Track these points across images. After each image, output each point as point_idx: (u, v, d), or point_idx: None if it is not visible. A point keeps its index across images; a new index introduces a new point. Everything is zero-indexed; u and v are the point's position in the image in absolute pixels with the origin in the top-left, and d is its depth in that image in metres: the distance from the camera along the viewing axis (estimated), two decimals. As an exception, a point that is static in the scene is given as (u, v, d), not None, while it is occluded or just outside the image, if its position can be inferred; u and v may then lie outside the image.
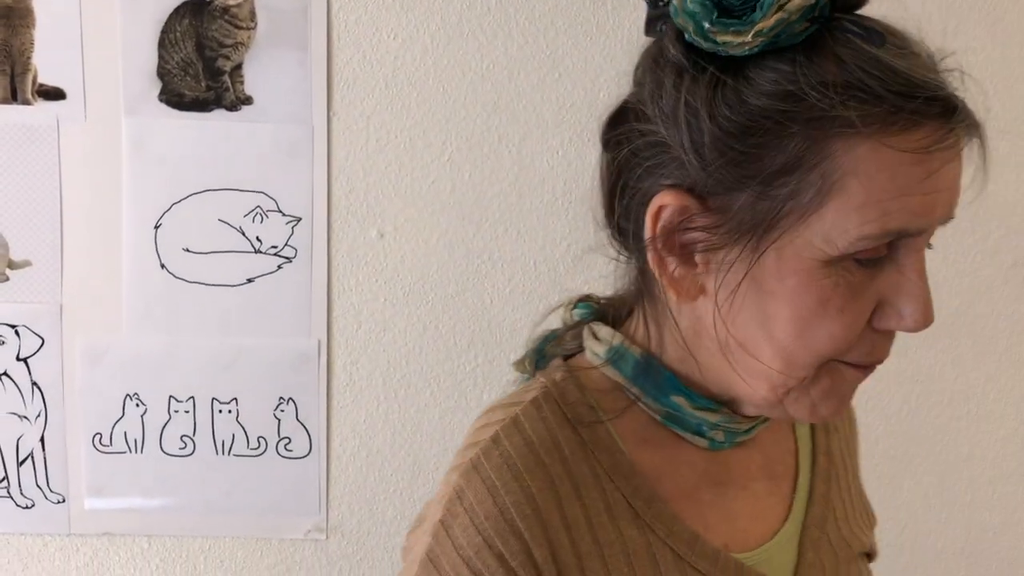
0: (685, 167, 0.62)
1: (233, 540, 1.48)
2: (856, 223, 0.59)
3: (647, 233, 0.64)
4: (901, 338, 0.65)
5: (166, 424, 1.49)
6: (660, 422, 0.70)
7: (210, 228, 1.45)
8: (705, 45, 0.60)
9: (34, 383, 1.48)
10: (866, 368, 0.66)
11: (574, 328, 0.75)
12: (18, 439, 1.49)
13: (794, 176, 0.59)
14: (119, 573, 1.52)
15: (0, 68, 1.38)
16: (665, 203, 0.63)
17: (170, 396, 1.48)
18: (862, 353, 0.64)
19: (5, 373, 1.48)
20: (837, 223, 0.59)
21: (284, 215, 1.45)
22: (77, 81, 1.40)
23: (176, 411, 1.49)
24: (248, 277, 1.45)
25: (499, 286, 1.44)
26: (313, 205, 1.45)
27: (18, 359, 1.48)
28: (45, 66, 1.40)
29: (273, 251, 1.44)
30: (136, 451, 1.49)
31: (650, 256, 0.65)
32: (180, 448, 1.49)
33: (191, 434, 1.49)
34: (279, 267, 1.44)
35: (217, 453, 1.48)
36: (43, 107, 1.41)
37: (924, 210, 0.60)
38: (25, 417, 1.49)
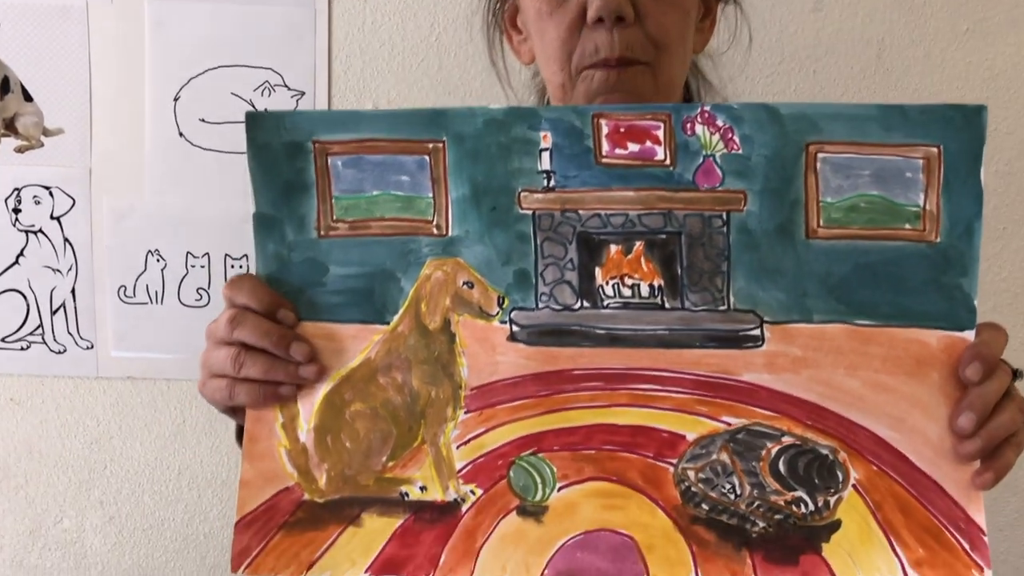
0: None
1: (245, 382, 1.60)
2: None
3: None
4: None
5: (184, 278, 1.59)
6: None
7: (223, 100, 1.56)
8: None
9: (66, 239, 1.59)
10: (607, 66, 0.90)
11: None
12: (51, 290, 1.60)
13: None
14: (141, 413, 1.62)
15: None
16: None
17: (187, 252, 1.59)
18: (592, 52, 0.89)
19: (40, 230, 1.58)
20: None
21: (289, 89, 1.56)
22: (105, -35, 1.50)
23: (193, 266, 1.59)
24: None
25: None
26: (315, 81, 1.55)
27: (52, 218, 1.58)
28: (76, -47, 1.50)
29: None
30: (157, 302, 1.60)
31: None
32: (196, 299, 1.60)
33: (206, 287, 1.60)
34: (285, 137, 1.57)
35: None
36: (74, -11, 1.50)
37: None
38: (58, 270, 1.59)
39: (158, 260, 1.61)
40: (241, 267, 1.62)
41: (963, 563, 0.76)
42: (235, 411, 0.84)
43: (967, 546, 0.77)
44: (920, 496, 0.78)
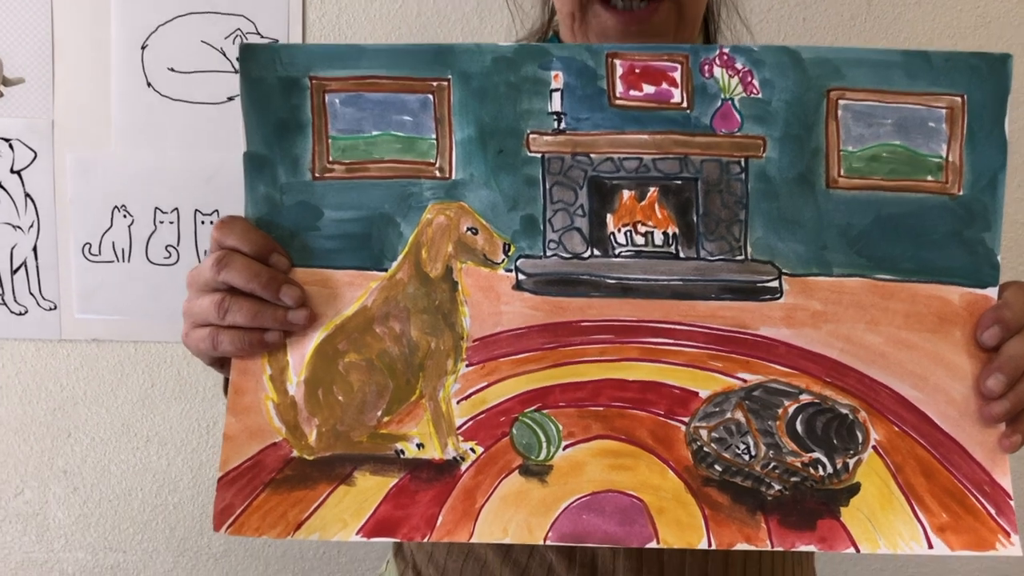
0: None
1: (215, 345, 1.56)
2: None
3: None
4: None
5: (152, 235, 1.52)
6: None
7: (193, 49, 1.48)
8: None
9: (27, 195, 1.51)
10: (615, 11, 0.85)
11: None
12: (12, 248, 1.52)
13: None
14: (107, 378, 1.56)
15: None
16: None
17: (155, 208, 1.52)
18: None
19: (0, 185, 1.51)
20: None
21: (262, 37, 1.49)
22: (69, -95, 1.43)
23: (161, 222, 1.52)
24: (229, 96, 1.48)
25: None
26: (289, 28, 1.49)
27: (12, 171, 1.51)
28: None
29: (254, 73, 1.52)
30: (123, 261, 1.53)
31: None
32: (165, 257, 1.52)
33: (175, 244, 1.53)
34: (259, 87, 1.52)
35: (200, 262, 1.54)
36: (38, -72, 1.43)
37: None
38: (19, 227, 1.52)
39: (125, 216, 1.55)
40: (211, 222, 1.55)
41: (989, 528, 0.74)
42: (222, 364, 0.79)
43: (993, 511, 0.74)
44: (943, 459, 0.75)
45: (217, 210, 1.54)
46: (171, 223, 1.55)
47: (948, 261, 0.76)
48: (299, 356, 0.77)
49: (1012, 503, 0.74)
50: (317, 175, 0.78)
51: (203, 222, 1.55)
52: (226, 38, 1.51)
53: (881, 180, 0.76)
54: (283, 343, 0.77)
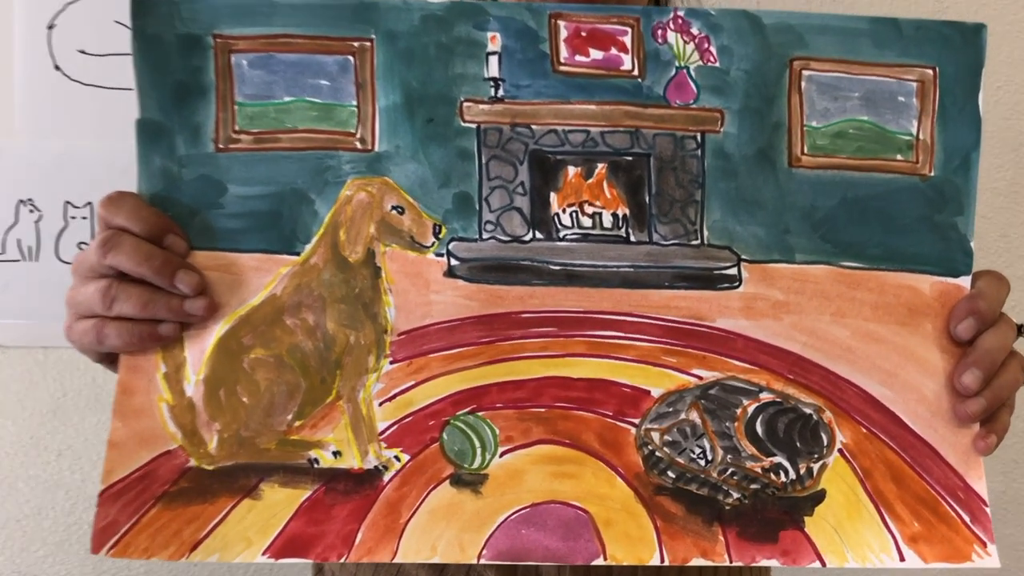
0: None
1: (130, 351, 1.47)
2: None
3: None
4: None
5: (62, 231, 1.44)
6: None
7: (107, 29, 1.41)
8: None
9: None
10: None
11: None
12: None
13: None
14: (14, 388, 1.48)
15: None
16: None
17: (66, 202, 1.43)
18: None
19: None
20: None
21: None
22: None
23: (73, 217, 1.44)
24: None
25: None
26: None
27: None
28: None
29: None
30: (30, 259, 1.44)
31: None
32: None
33: (88, 241, 1.46)
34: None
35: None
36: None
37: None
38: None
39: (31, 211, 1.45)
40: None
41: (964, 538, 0.67)
42: (111, 361, 0.70)
43: (968, 519, 0.68)
44: (914, 462, 0.68)
45: (133, 204, 1.45)
46: (83, 219, 1.46)
47: (918, 248, 0.70)
48: (198, 351, 0.68)
49: (988, 510, 0.68)
50: (221, 146, 0.69)
51: (118, 216, 1.46)
52: (143, 19, 1.42)
53: (847, 159, 0.70)
54: (179, 337, 0.68)
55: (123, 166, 1.40)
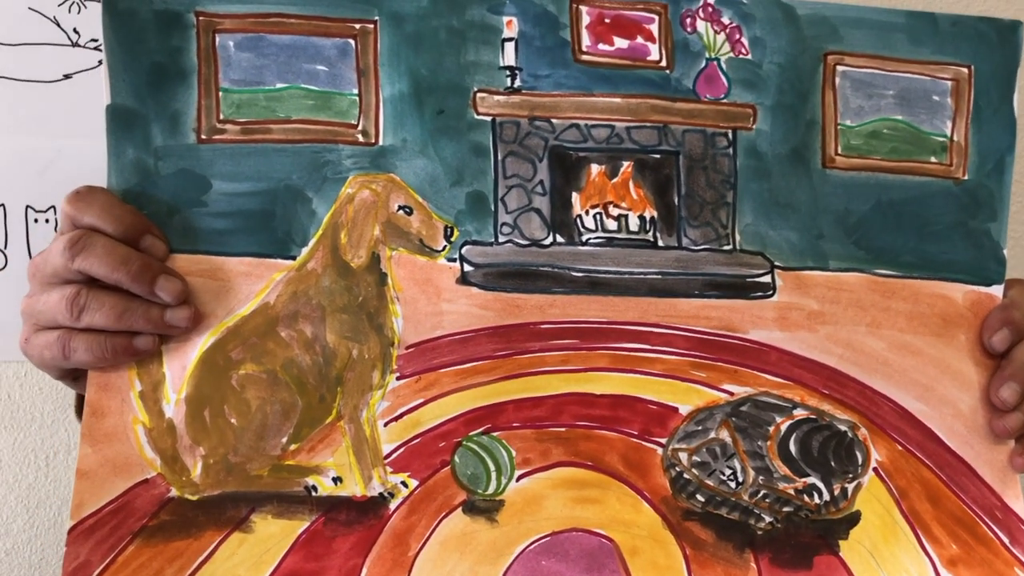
0: None
1: (49, 362, 1.36)
2: None
3: None
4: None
5: None
6: None
7: (19, 17, 1.32)
8: None
9: None
10: None
11: None
12: None
13: None
14: None
15: None
16: None
17: None
18: None
19: None
20: None
21: None
22: None
23: None
24: (65, 73, 1.33)
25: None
26: None
27: None
28: None
29: (93, 45, 1.34)
30: None
31: None
32: None
33: (2, 246, 1.36)
34: (99, 62, 1.34)
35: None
36: None
37: None
38: None
39: (-62, 210, 1.32)
40: (47, 221, 1.36)
41: (1003, 560, 0.64)
42: (75, 378, 0.61)
43: (1007, 539, 0.65)
44: (950, 481, 0.65)
45: (53, 206, 1.35)
46: (-7, 221, 1.34)
47: (951, 255, 0.67)
48: (178, 367, 0.60)
49: None
50: (204, 137, 0.61)
51: (36, 220, 1.35)
52: (60, 5, 1.32)
53: (881, 160, 0.67)
54: (158, 350, 0.60)
55: (41, 166, 1.32)
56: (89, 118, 1.37)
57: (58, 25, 1.32)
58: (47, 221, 1.36)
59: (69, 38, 1.33)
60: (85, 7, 1.32)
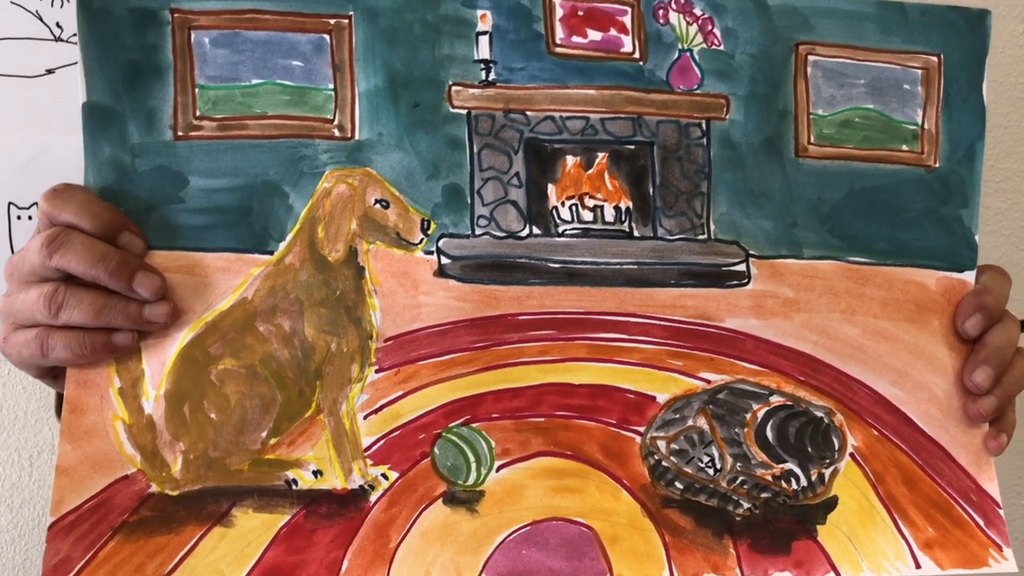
0: None
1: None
2: None
3: None
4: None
5: None
6: None
7: (1, 11, 1.30)
8: None
9: None
10: None
11: None
12: None
13: None
14: None
15: None
16: None
17: None
18: None
19: None
20: None
21: None
22: None
23: None
24: (48, 68, 1.33)
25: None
26: None
27: None
28: None
29: (76, 40, 1.33)
30: None
31: None
32: None
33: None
34: (84, 60, 1.34)
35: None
36: None
37: None
38: None
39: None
40: (30, 218, 1.35)
41: (979, 542, 0.65)
42: (54, 376, 0.61)
43: (981, 522, 0.66)
44: (926, 465, 0.66)
45: (36, 203, 1.33)
46: (-37, 222, 1.34)
47: (924, 241, 0.68)
48: (158, 363, 0.60)
49: (1001, 512, 0.66)
50: (180, 133, 0.61)
51: (19, 217, 1.35)
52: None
53: (854, 149, 0.67)
54: (136, 347, 0.60)
55: (23, 162, 1.32)
56: (72, 113, 1.36)
57: (40, 19, 1.31)
58: (29, 218, 1.35)
59: (52, 32, 1.32)
60: (68, 1, 1.32)
